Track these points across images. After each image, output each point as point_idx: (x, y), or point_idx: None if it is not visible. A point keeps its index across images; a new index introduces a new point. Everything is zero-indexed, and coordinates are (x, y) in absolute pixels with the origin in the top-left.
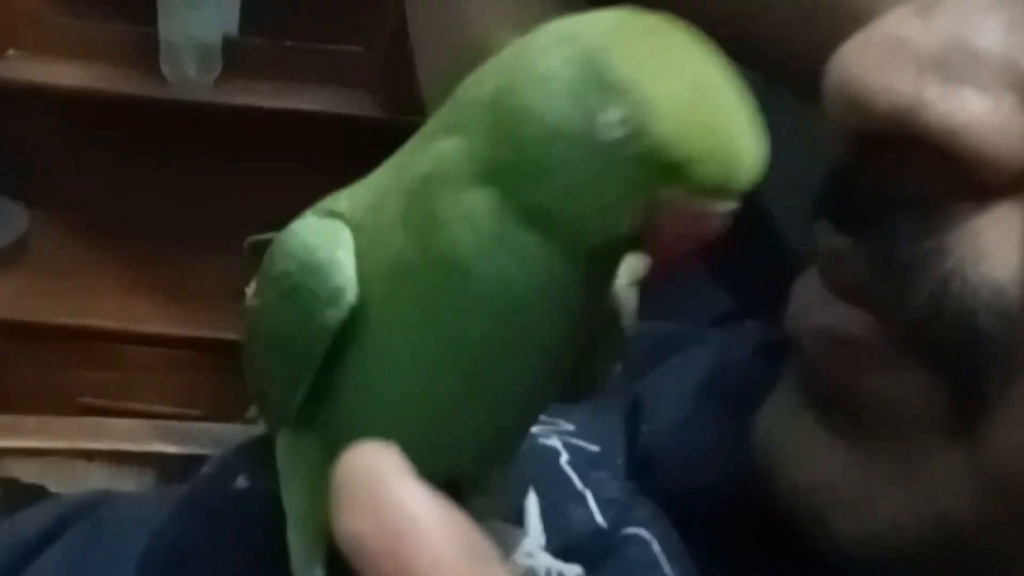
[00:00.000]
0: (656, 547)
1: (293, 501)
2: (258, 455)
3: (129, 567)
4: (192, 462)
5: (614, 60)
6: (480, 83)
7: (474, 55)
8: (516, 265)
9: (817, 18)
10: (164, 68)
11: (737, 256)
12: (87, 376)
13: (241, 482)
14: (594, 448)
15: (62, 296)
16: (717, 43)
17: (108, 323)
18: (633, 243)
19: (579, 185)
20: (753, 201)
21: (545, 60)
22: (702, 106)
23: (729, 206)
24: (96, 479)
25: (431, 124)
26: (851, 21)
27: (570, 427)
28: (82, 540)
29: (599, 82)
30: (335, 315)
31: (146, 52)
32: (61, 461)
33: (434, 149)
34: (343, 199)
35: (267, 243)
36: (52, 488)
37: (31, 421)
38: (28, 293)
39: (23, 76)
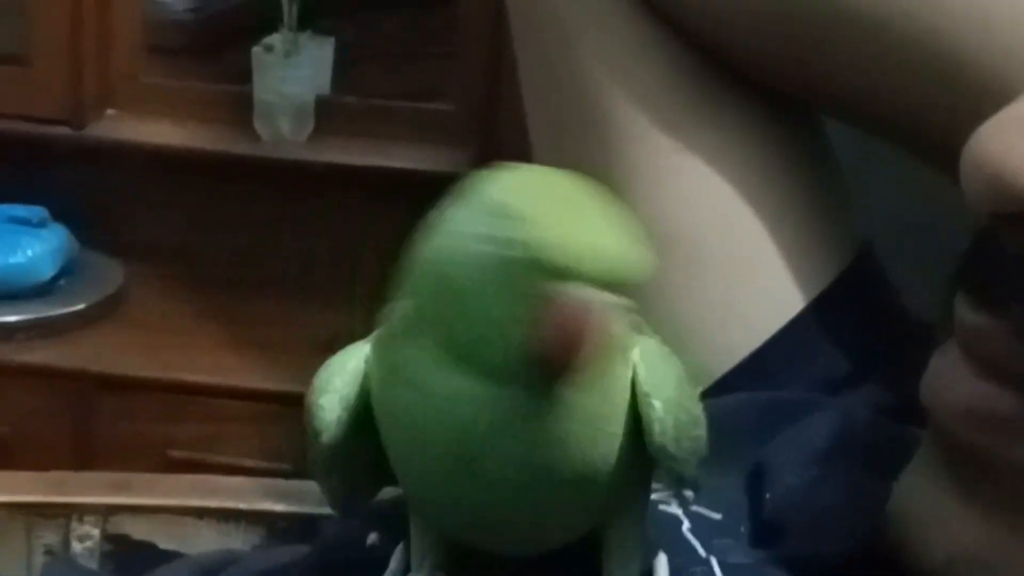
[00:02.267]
0: None
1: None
2: (386, 513)
3: None
4: (299, 520)
5: (507, 199)
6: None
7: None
8: (455, 407)
9: (932, 82)
10: (258, 127)
11: (853, 318)
12: (177, 429)
13: (372, 539)
14: (716, 516)
15: (155, 350)
16: (829, 103)
17: (199, 377)
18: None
19: (489, 305)
20: (868, 259)
21: (455, 212)
22: (572, 220)
23: (607, 298)
24: (205, 536)
25: None
26: (967, 85)
27: (690, 493)
28: None
29: (497, 217)
30: (320, 447)
31: (240, 111)
32: (171, 518)
33: (394, 307)
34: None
35: None
36: (162, 545)
37: (139, 478)
38: (122, 347)
39: (120, 135)
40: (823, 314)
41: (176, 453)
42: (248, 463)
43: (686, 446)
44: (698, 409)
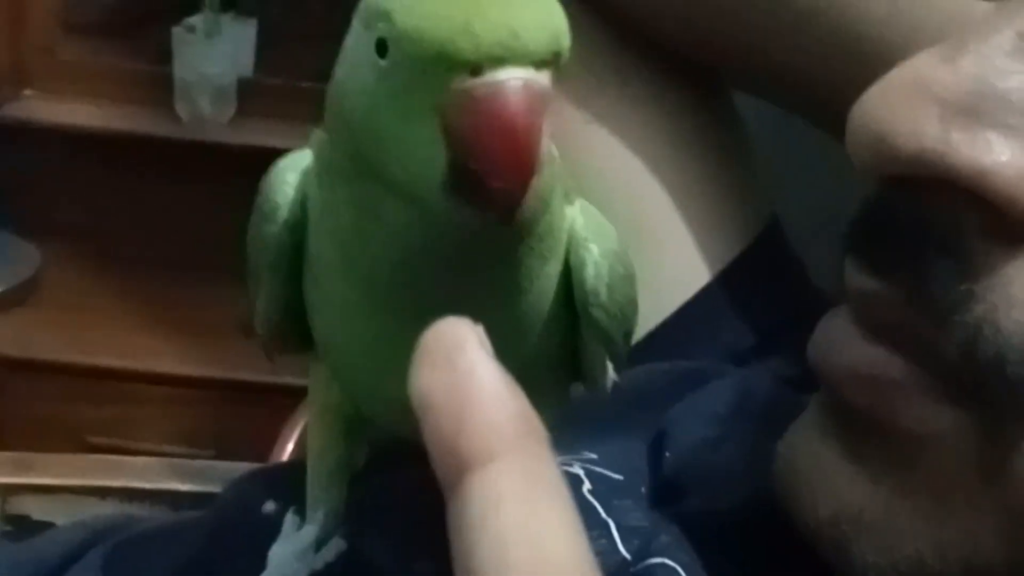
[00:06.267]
0: (683, 574)
1: (313, 433)
2: (283, 480)
3: None
4: (203, 499)
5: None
6: None
7: None
8: (383, 229)
9: (839, 54)
10: (179, 107)
11: (759, 290)
12: (95, 414)
13: (269, 507)
14: (617, 476)
15: (71, 334)
16: (740, 74)
17: (117, 361)
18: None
19: (384, 120)
20: (774, 234)
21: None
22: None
23: (514, 73)
24: None
25: None
26: (874, 58)
27: (593, 455)
28: (105, 560)
29: (368, 24)
30: (270, 229)
31: (161, 91)
32: (72, 498)
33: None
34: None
35: None
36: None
37: (42, 458)
38: (38, 331)
39: (38, 116)
40: (729, 286)
41: (95, 439)
42: (168, 449)
43: (618, 300)
44: (633, 270)
